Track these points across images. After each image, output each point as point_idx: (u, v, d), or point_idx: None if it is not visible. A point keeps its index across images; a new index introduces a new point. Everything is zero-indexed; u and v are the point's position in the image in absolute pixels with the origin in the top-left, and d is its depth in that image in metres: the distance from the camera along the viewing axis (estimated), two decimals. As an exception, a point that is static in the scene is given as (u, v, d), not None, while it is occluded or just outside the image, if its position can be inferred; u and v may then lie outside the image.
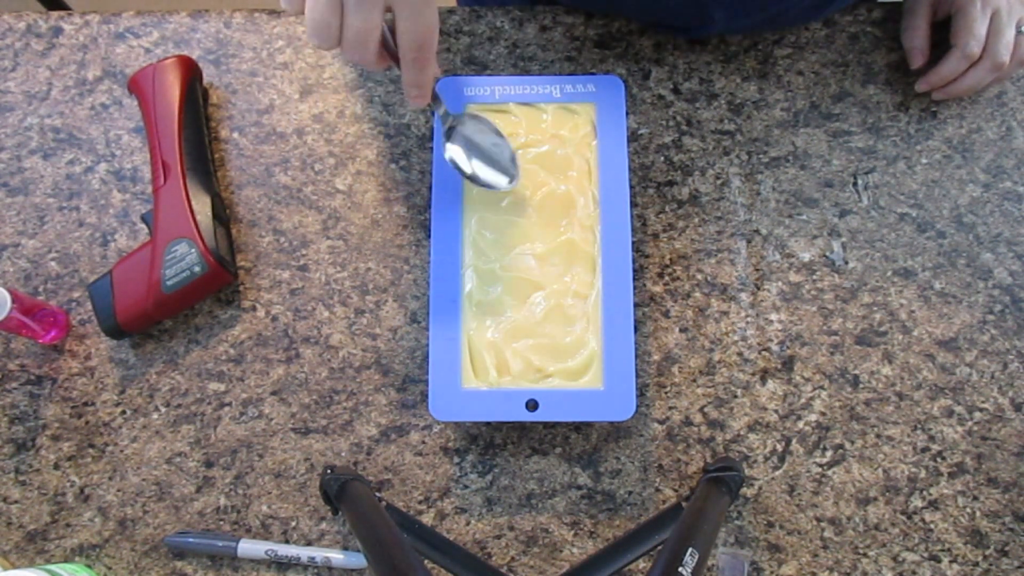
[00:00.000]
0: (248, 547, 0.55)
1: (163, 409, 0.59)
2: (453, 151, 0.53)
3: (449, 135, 0.53)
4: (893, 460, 0.57)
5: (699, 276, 0.60)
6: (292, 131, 0.64)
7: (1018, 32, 0.58)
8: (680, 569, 0.41)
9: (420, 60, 0.42)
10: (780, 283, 0.60)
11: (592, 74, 0.64)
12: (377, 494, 0.53)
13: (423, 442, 0.58)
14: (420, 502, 0.57)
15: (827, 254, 0.60)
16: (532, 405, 0.53)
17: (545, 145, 0.58)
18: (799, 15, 0.63)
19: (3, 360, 0.60)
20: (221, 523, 0.57)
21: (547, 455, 0.57)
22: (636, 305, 0.59)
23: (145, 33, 0.66)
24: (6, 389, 0.59)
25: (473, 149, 0.53)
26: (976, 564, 0.55)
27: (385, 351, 0.59)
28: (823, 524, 0.56)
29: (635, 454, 0.57)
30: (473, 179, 0.54)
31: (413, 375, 0.59)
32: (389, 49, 0.44)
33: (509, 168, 0.54)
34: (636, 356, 0.55)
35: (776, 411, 0.58)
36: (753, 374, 0.58)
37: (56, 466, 0.58)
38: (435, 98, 0.50)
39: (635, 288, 0.59)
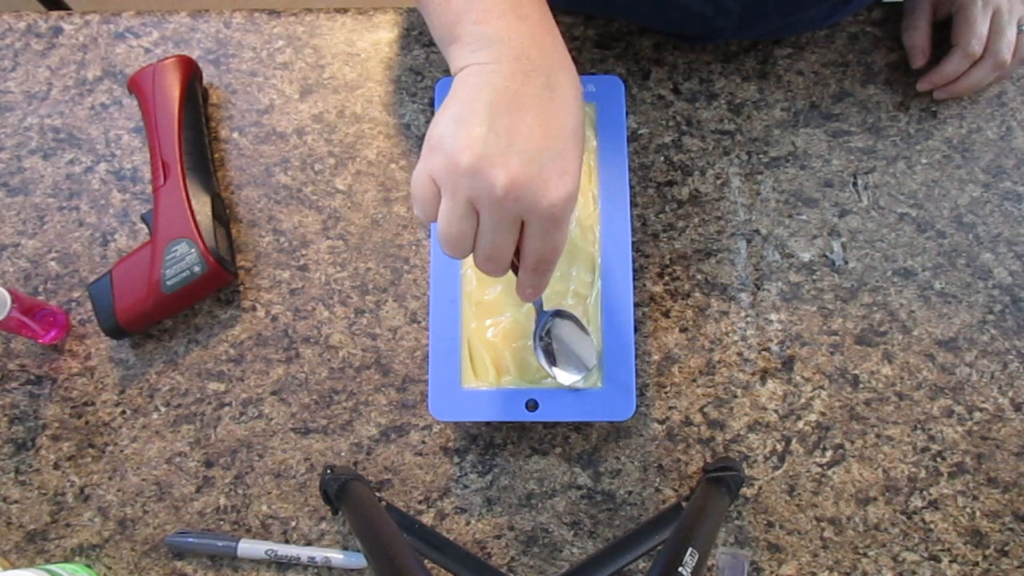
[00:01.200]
0: (248, 547, 0.55)
1: (163, 409, 0.59)
2: (543, 349, 0.53)
3: (544, 337, 0.53)
4: (893, 460, 0.57)
5: (699, 276, 0.60)
6: (292, 131, 0.64)
7: (1019, 30, 0.58)
8: (680, 569, 0.41)
9: (540, 270, 0.42)
10: (780, 283, 0.60)
11: (592, 74, 0.64)
12: (377, 494, 0.53)
13: (423, 442, 0.58)
14: (420, 502, 0.57)
15: (827, 254, 0.60)
16: (532, 405, 0.53)
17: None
18: (805, 26, 0.63)
19: (3, 360, 0.60)
20: (221, 523, 0.57)
21: (547, 455, 0.57)
22: (636, 305, 0.59)
23: (145, 33, 0.66)
24: (6, 389, 0.59)
25: (564, 347, 0.53)
26: (976, 564, 0.55)
27: (385, 351, 0.59)
28: (823, 524, 0.56)
29: (635, 454, 0.57)
30: (555, 375, 0.53)
31: (413, 375, 0.59)
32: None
33: (587, 364, 0.53)
34: (636, 356, 0.55)
35: (776, 411, 0.58)
36: (753, 374, 0.58)
37: (56, 466, 0.58)
38: (540, 302, 0.51)
39: (635, 288, 0.59)
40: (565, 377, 0.53)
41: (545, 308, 0.52)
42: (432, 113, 0.63)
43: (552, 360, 0.53)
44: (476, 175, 0.37)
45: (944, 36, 0.61)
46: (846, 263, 0.60)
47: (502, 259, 0.40)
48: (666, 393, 0.58)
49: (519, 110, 0.38)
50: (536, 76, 0.39)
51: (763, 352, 0.59)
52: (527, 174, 0.37)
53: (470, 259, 0.55)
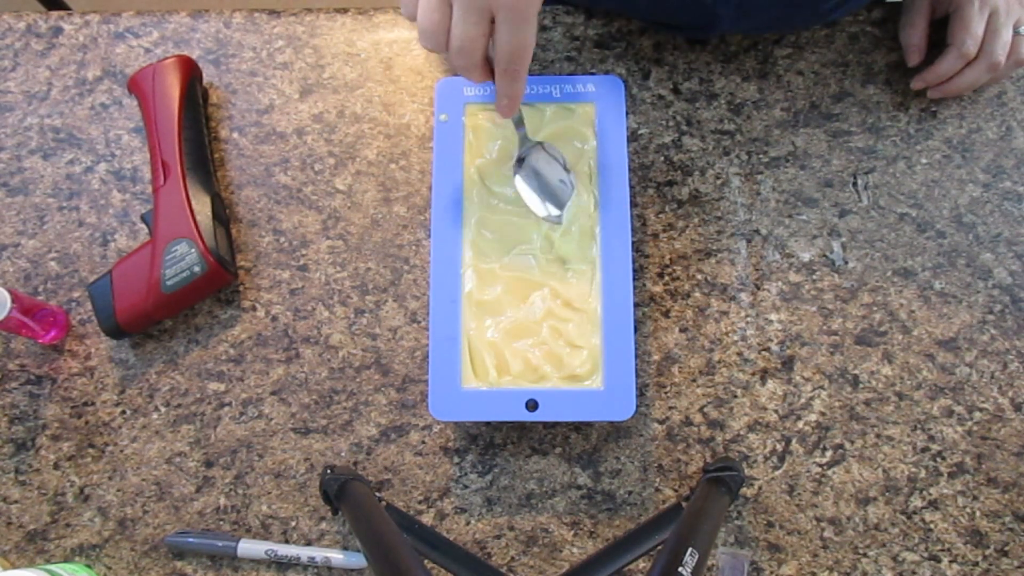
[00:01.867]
0: (248, 547, 0.55)
1: (163, 409, 0.59)
2: (519, 183, 0.55)
3: (520, 163, 0.56)
4: (893, 460, 0.57)
5: (699, 276, 0.60)
6: (292, 131, 0.64)
7: (1015, 32, 0.58)
8: (680, 569, 0.41)
9: (511, 72, 0.45)
10: (780, 283, 0.60)
11: (592, 74, 0.64)
12: (377, 494, 0.53)
13: (423, 442, 0.58)
14: (420, 502, 0.57)
15: (827, 254, 0.60)
16: (532, 405, 0.53)
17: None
18: (804, 20, 0.63)
19: (3, 360, 0.60)
20: (221, 523, 0.57)
21: (547, 455, 0.57)
22: (636, 305, 0.59)
23: (145, 33, 0.66)
24: (6, 389, 0.59)
25: (538, 180, 0.56)
26: (976, 564, 0.55)
27: (385, 351, 0.59)
28: (823, 524, 0.56)
29: (635, 454, 0.57)
30: (532, 208, 0.56)
31: (413, 375, 0.59)
32: (491, 61, 0.47)
33: (564, 202, 0.56)
34: (636, 356, 0.55)
35: (776, 411, 0.58)
36: (753, 374, 0.58)
37: (56, 466, 0.58)
38: (519, 121, 0.53)
39: (635, 288, 0.59)
40: (539, 208, 0.55)
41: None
42: (432, 114, 0.63)
43: (528, 189, 0.55)
44: None
45: (943, 35, 0.61)
46: (846, 263, 0.60)
47: (472, 51, 0.43)
48: (666, 393, 0.58)
49: None
50: None
51: (763, 352, 0.59)
52: None
53: (470, 259, 0.55)
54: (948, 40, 0.59)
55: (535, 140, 0.56)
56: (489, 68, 0.46)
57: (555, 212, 0.55)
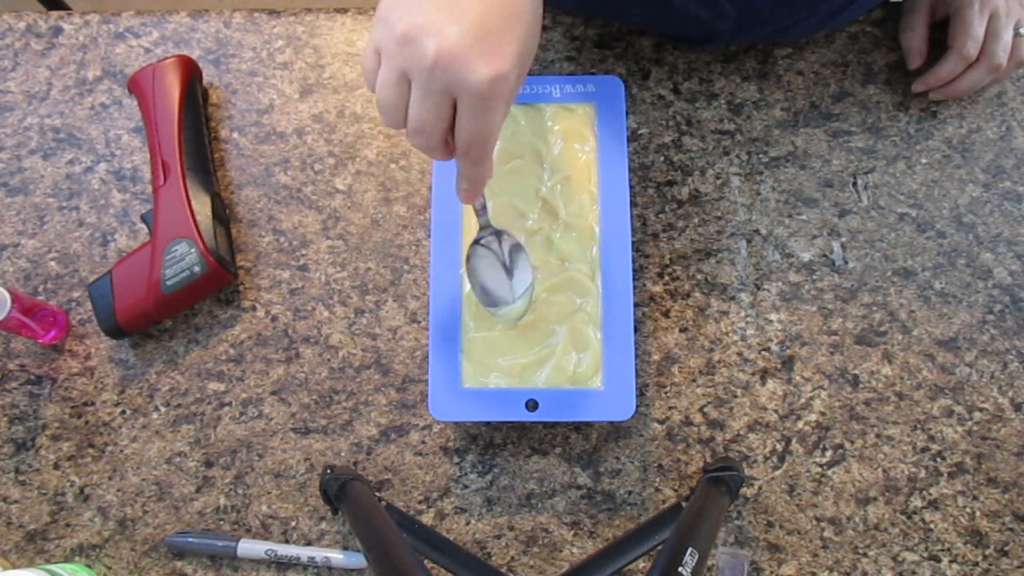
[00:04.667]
0: (248, 547, 0.55)
1: (163, 409, 0.59)
2: (469, 270, 0.52)
3: (476, 244, 0.52)
4: (893, 460, 0.57)
5: (699, 276, 0.60)
6: (292, 131, 0.64)
7: (1016, 34, 0.58)
8: (680, 569, 0.41)
9: (472, 158, 0.41)
10: (780, 283, 0.60)
11: (592, 74, 0.64)
12: (377, 494, 0.53)
13: (423, 442, 0.58)
14: (420, 502, 0.57)
15: (827, 254, 0.60)
16: (532, 405, 0.53)
17: (545, 145, 0.58)
18: (801, 32, 0.63)
19: (3, 360, 0.60)
20: (221, 523, 0.57)
21: (547, 455, 0.57)
22: (636, 305, 0.59)
23: (145, 33, 0.66)
24: (6, 389, 0.59)
25: (489, 270, 0.52)
26: (976, 564, 0.55)
27: (385, 351, 0.59)
28: (823, 524, 0.56)
29: (635, 454, 0.57)
30: (478, 295, 0.52)
31: (413, 375, 0.59)
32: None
33: (508, 299, 0.52)
34: (636, 356, 0.55)
35: (776, 411, 0.58)
36: (753, 374, 0.58)
37: (56, 466, 0.58)
38: (483, 207, 0.49)
39: (635, 288, 0.59)
40: (484, 297, 0.51)
41: (492, 225, 0.50)
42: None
43: (478, 280, 0.52)
44: (410, 43, 0.37)
45: (943, 37, 0.61)
46: (846, 263, 0.60)
47: (430, 134, 0.40)
48: (666, 393, 0.58)
49: None
50: None
51: (763, 352, 0.59)
52: (459, 47, 0.37)
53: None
54: (949, 43, 0.59)
55: (495, 227, 0.51)
56: (451, 147, 0.42)
57: (506, 302, 0.52)
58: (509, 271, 0.52)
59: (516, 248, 0.52)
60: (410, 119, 0.40)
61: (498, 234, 0.51)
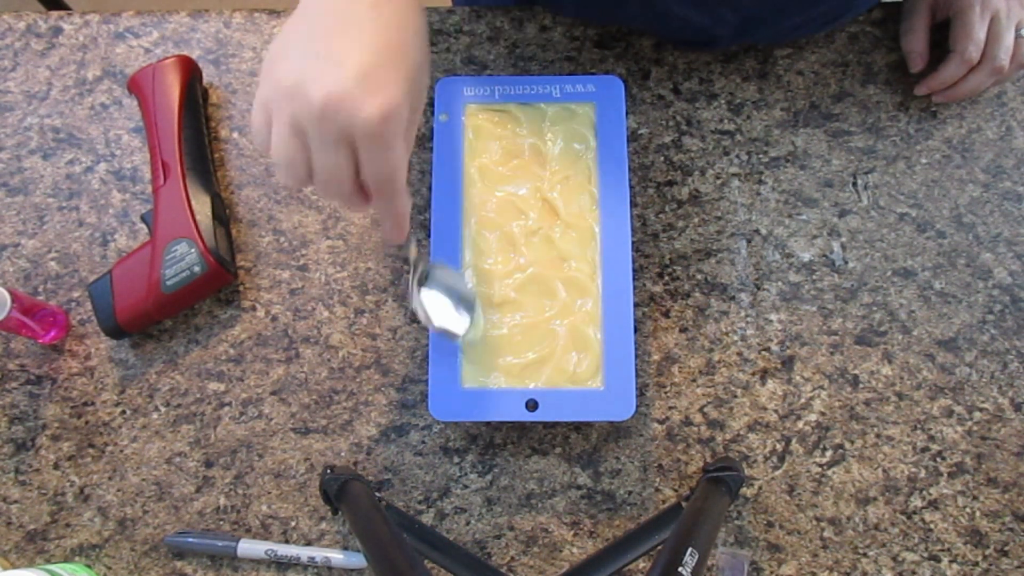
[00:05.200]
0: (248, 547, 0.55)
1: (163, 409, 0.59)
2: (426, 299, 0.52)
3: (423, 280, 0.52)
4: (893, 460, 0.57)
5: (699, 276, 0.60)
6: (292, 131, 0.64)
7: (1017, 36, 0.58)
8: (680, 569, 0.41)
9: (383, 195, 0.41)
10: (780, 283, 0.60)
11: (592, 74, 0.64)
12: (377, 494, 0.53)
13: (423, 442, 0.58)
14: (420, 502, 0.57)
15: (827, 254, 0.60)
16: (532, 405, 0.53)
17: (545, 145, 0.58)
18: (803, 33, 0.63)
19: (3, 360, 0.60)
20: (221, 523, 0.57)
21: (547, 455, 0.57)
22: (636, 305, 0.59)
23: (145, 33, 0.66)
24: (6, 389, 0.59)
25: (447, 296, 0.52)
26: (976, 564, 0.55)
27: (385, 351, 0.59)
28: (823, 524, 0.56)
29: (635, 454, 0.57)
30: (438, 328, 0.52)
31: (413, 375, 0.59)
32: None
33: (468, 315, 0.53)
34: (636, 356, 0.55)
35: (776, 411, 0.58)
36: (753, 374, 0.58)
37: (56, 466, 0.58)
38: (408, 240, 0.47)
39: (635, 288, 0.59)
40: (451, 320, 0.52)
41: (427, 257, 0.51)
42: (432, 114, 0.63)
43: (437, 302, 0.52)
44: (295, 95, 0.37)
45: (943, 37, 0.61)
46: (846, 263, 0.60)
47: (339, 182, 0.39)
48: (666, 393, 0.58)
49: (341, 30, 0.38)
50: None
51: (763, 352, 0.59)
52: (343, 90, 0.37)
53: (470, 259, 0.55)
54: (951, 46, 0.59)
55: (431, 260, 0.53)
56: (365, 193, 0.41)
57: (464, 323, 0.53)
58: (455, 300, 0.52)
59: (443, 271, 0.53)
60: (315, 174, 0.39)
61: (436, 266, 0.52)
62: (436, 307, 0.52)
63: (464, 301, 0.53)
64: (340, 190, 0.40)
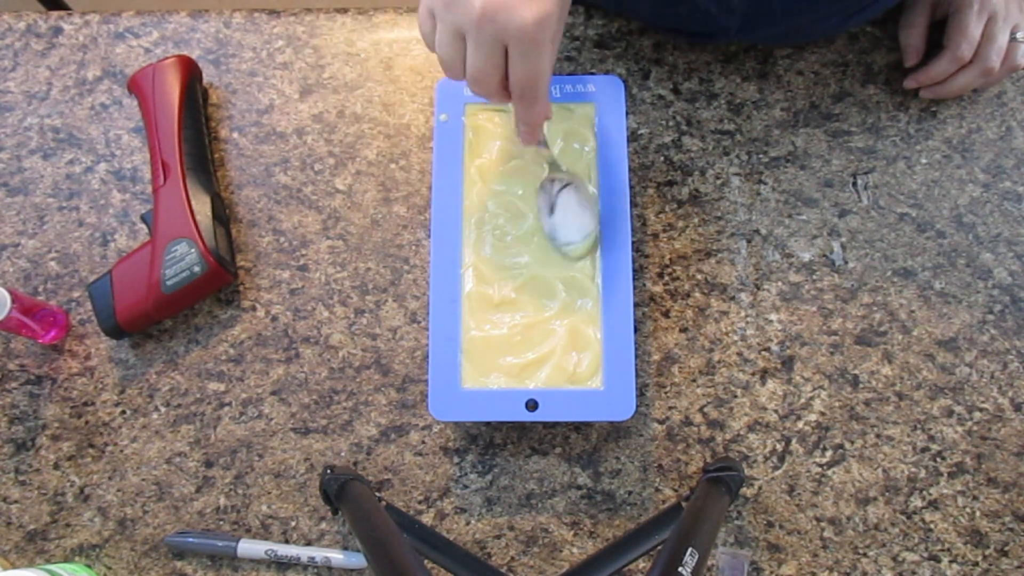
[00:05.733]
0: (248, 547, 0.55)
1: (163, 409, 0.59)
2: (562, 200, 0.55)
3: (560, 191, 0.55)
4: (893, 460, 0.57)
5: (699, 276, 0.60)
6: (292, 131, 0.64)
7: (1012, 39, 0.58)
8: (680, 569, 0.41)
9: (527, 98, 0.45)
10: (780, 283, 0.60)
11: (592, 74, 0.64)
12: (377, 494, 0.53)
13: (423, 442, 0.58)
14: (420, 502, 0.57)
15: (827, 254, 0.60)
16: (532, 405, 0.53)
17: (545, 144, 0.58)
18: (811, 35, 0.63)
19: (3, 360, 0.60)
20: (221, 523, 0.57)
21: (547, 455, 0.57)
22: (636, 305, 0.59)
23: (145, 33, 0.66)
24: (6, 389, 0.59)
25: (567, 211, 0.55)
26: (976, 564, 0.55)
27: (385, 351, 0.59)
28: (823, 524, 0.56)
29: (635, 454, 0.57)
30: (550, 235, 0.55)
31: (413, 375, 0.59)
32: None
33: (576, 238, 0.55)
34: (636, 356, 0.55)
35: (776, 411, 0.58)
36: (753, 374, 0.58)
37: (56, 466, 0.58)
38: (544, 143, 0.53)
39: (635, 288, 0.59)
40: (564, 235, 0.55)
41: (560, 166, 0.55)
42: (432, 114, 0.63)
43: (553, 215, 0.55)
44: (457, 3, 0.42)
45: (942, 36, 0.61)
46: (846, 263, 0.60)
47: (488, 82, 0.44)
48: (666, 393, 0.58)
49: None
50: None
51: (763, 352, 0.59)
52: None
53: (470, 259, 0.55)
54: (944, 42, 0.59)
55: (564, 168, 0.56)
56: (508, 92, 0.46)
57: (576, 239, 0.55)
58: (578, 211, 0.55)
59: (581, 190, 0.55)
60: (468, 70, 0.44)
61: (564, 180, 0.55)
62: (566, 212, 0.55)
63: (589, 220, 0.55)
64: (487, 88, 0.45)
